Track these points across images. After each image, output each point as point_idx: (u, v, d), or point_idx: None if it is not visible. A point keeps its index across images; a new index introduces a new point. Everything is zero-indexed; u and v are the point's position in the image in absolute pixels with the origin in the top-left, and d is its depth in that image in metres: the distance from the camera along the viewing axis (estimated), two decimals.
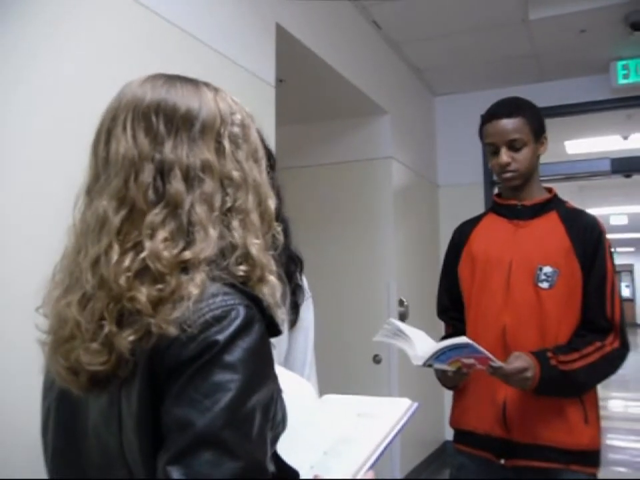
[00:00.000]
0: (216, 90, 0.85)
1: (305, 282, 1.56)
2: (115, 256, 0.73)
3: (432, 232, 4.75)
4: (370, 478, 0.85)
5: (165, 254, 0.72)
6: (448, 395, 4.48)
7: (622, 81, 4.18)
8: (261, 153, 0.86)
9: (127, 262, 0.73)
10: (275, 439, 0.77)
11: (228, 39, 2.27)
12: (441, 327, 2.03)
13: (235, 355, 0.69)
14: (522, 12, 3.56)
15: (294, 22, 2.76)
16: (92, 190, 0.79)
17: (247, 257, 0.78)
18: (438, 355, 1.44)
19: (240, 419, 0.68)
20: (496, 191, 1.92)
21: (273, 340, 1.46)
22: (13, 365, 1.34)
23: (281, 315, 1.51)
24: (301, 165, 3.91)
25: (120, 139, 0.77)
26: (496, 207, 1.82)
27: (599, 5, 3.48)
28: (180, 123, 0.78)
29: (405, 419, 0.94)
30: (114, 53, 1.75)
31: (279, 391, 0.77)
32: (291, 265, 1.57)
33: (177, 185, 0.75)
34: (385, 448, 0.88)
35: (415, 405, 0.97)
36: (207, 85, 0.84)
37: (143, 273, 0.72)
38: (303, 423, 0.98)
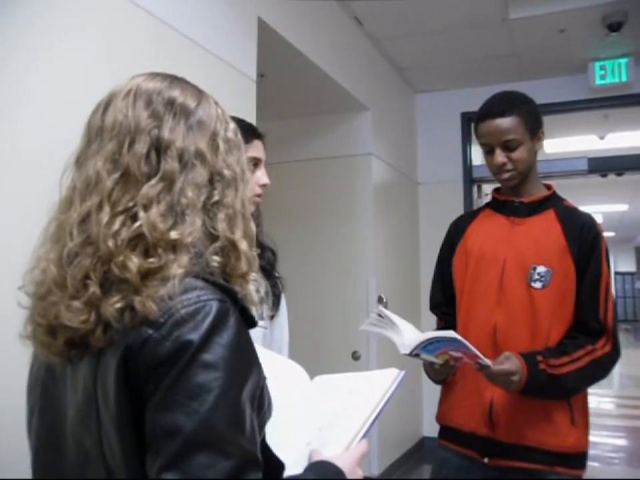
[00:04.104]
0: (217, 103, 0.87)
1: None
2: (105, 217, 0.72)
3: (411, 229, 4.77)
4: (363, 447, 0.89)
5: (161, 226, 0.73)
6: (426, 391, 4.55)
7: (599, 82, 4.24)
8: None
9: (116, 225, 0.72)
10: (262, 427, 0.78)
11: (209, 31, 2.24)
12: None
13: (214, 353, 0.69)
14: (502, 11, 3.59)
15: (276, 16, 2.74)
16: (82, 156, 0.79)
17: (229, 250, 0.78)
18: (425, 345, 1.42)
19: (229, 416, 0.68)
20: (492, 189, 1.89)
21: (261, 324, 1.44)
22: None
23: (265, 311, 1.51)
24: (280, 161, 3.88)
25: (119, 108, 0.78)
26: (493, 203, 1.78)
27: (578, 6, 3.52)
28: (179, 109, 0.80)
29: (393, 387, 0.99)
30: (91, 44, 1.71)
31: (264, 378, 0.78)
32: (270, 256, 1.56)
33: (172, 163, 0.76)
34: (376, 417, 0.94)
35: (402, 372, 1.02)
36: (210, 96, 0.87)
37: (135, 242, 0.72)
38: (297, 405, 1.03)
